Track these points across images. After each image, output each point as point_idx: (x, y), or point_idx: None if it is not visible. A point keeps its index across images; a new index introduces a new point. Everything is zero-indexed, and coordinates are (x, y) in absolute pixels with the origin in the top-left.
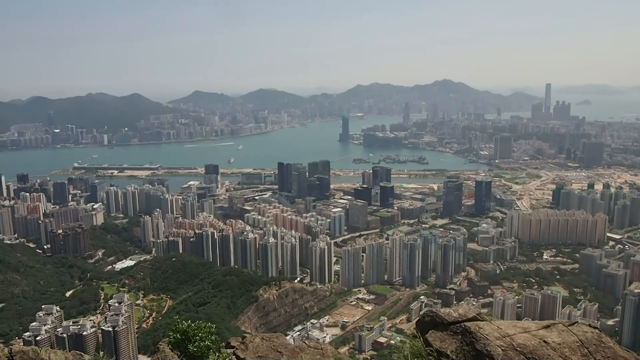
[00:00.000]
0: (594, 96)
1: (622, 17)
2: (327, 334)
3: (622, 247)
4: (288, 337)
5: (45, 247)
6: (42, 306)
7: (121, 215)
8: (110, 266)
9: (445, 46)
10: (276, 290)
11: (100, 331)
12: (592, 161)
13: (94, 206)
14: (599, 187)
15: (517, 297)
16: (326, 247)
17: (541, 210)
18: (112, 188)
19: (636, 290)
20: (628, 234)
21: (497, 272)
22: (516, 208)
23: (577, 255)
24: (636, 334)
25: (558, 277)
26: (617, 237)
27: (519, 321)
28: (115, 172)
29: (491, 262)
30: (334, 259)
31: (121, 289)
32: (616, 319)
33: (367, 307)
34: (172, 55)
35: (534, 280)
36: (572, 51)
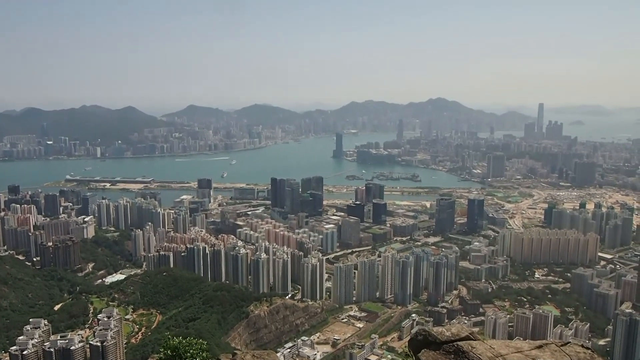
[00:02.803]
0: (587, 117)
1: (616, 40)
2: (317, 351)
3: (613, 266)
4: (278, 354)
5: (34, 259)
6: (30, 319)
7: (112, 229)
8: (100, 280)
9: (440, 65)
10: (267, 307)
11: (88, 346)
12: (584, 181)
13: (85, 219)
14: (590, 206)
15: (508, 316)
16: (318, 263)
17: (533, 229)
18: (104, 201)
19: (627, 310)
20: (619, 253)
21: (489, 290)
22: (508, 227)
23: (568, 274)
24: (627, 354)
25: (550, 296)
26: (609, 256)
27: (512, 341)
28: (108, 185)
29: (483, 280)
30: (325, 276)
31: (110, 303)
32: (607, 339)
33: (358, 325)
34: (167, 69)
35: (525, 299)
36: (566, 72)
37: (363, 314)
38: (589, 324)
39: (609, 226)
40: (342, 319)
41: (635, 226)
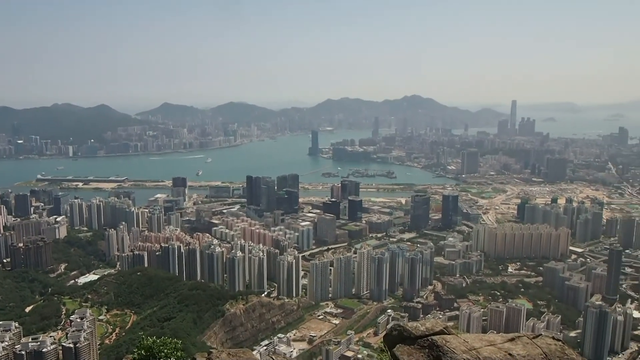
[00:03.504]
0: (559, 113)
1: (586, 39)
2: (294, 349)
3: (584, 260)
4: (255, 352)
5: (5, 261)
6: (0, 322)
7: (85, 229)
8: (73, 280)
9: (415, 63)
10: (243, 305)
11: (60, 348)
12: (555, 176)
13: (57, 219)
14: (562, 201)
15: (482, 310)
16: (294, 260)
17: (506, 224)
18: (76, 200)
19: (597, 303)
20: (589, 247)
21: (464, 285)
22: (482, 222)
23: (540, 268)
24: (597, 345)
25: (522, 290)
26: (579, 250)
27: (485, 334)
28: (80, 184)
29: (457, 275)
30: (301, 273)
31: (84, 304)
32: (578, 331)
33: (334, 321)
34: (141, 67)
35: (499, 293)
36: (539, 70)
37: (339, 311)
38: (560, 317)
39: (580, 220)
40: (319, 315)
41: (605, 220)
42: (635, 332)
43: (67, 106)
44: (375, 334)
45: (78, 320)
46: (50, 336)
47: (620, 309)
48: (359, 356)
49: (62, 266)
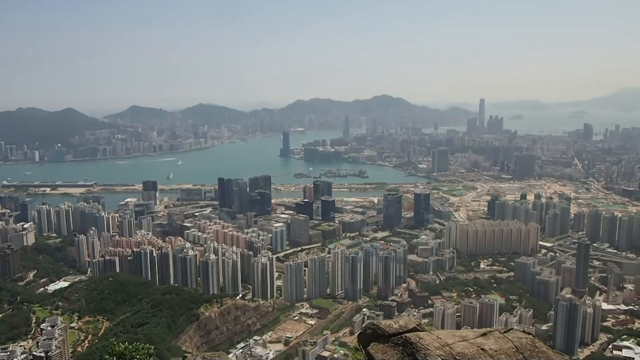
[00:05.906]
0: (525, 111)
1: (550, 39)
2: (270, 351)
3: (553, 254)
4: (230, 356)
5: None
6: None
7: (54, 235)
8: (43, 288)
9: (385, 62)
10: (218, 308)
11: (31, 357)
12: (524, 173)
13: (25, 226)
14: (531, 197)
15: (456, 306)
16: (268, 262)
17: (477, 221)
18: (44, 206)
19: (567, 296)
20: (559, 241)
21: (437, 282)
22: (454, 219)
23: (512, 263)
24: (568, 336)
25: (495, 285)
26: (549, 245)
27: (458, 330)
28: (48, 189)
29: (431, 272)
30: (276, 274)
31: (54, 311)
32: (550, 324)
33: (310, 322)
34: (108, 69)
35: (472, 290)
36: (505, 69)
37: (314, 311)
38: (532, 311)
39: (549, 216)
40: (294, 316)
41: (573, 215)
42: (604, 324)
43: (32, 110)
44: (351, 333)
45: (49, 328)
46: (21, 346)
47: (589, 302)
48: (335, 356)
49: (31, 274)
